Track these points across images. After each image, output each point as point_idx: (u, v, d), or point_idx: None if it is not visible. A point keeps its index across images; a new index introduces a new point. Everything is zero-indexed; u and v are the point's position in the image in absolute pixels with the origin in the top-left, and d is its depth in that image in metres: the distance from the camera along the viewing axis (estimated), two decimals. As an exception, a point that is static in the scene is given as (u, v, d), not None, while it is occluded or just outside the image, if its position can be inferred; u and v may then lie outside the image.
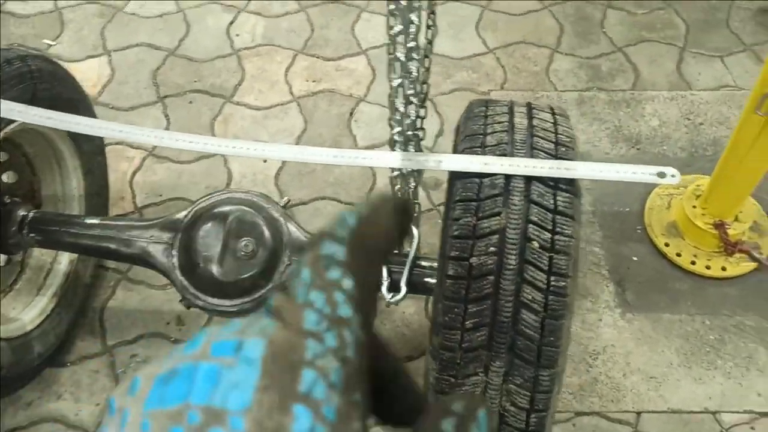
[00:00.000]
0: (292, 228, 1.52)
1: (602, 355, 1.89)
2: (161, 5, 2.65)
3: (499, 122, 1.28)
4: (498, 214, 1.16)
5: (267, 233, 1.49)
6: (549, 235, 1.14)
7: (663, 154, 2.29)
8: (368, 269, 0.42)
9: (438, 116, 2.36)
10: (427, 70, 1.40)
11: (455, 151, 1.31)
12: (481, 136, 1.26)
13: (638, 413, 1.80)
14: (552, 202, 1.16)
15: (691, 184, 2.09)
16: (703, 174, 2.12)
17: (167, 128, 2.30)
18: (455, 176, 1.23)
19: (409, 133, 1.35)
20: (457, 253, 1.16)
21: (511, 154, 1.21)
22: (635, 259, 2.07)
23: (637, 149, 2.31)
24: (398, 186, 1.45)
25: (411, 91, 1.28)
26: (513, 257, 1.13)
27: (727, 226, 1.97)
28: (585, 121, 2.38)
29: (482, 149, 1.23)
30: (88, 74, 2.44)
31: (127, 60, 2.48)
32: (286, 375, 0.34)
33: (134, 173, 2.21)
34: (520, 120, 1.28)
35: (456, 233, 1.17)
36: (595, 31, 2.64)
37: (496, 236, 1.14)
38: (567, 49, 2.58)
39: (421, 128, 1.52)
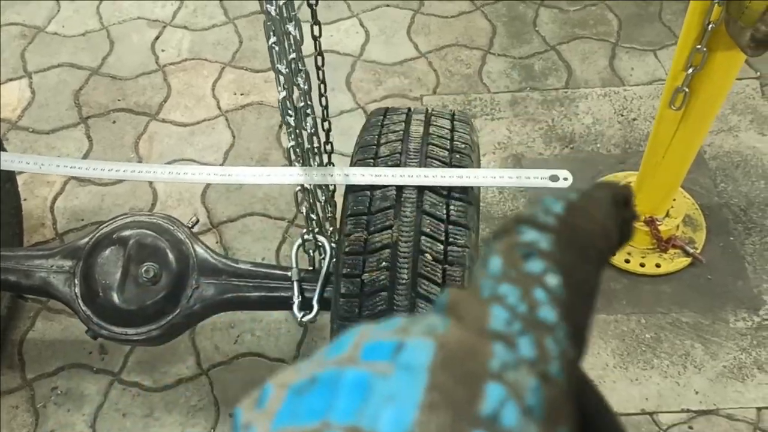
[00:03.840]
0: (199, 250, 1.47)
1: (538, 361, 1.85)
2: (84, 23, 2.58)
3: (394, 131, 1.24)
4: (389, 227, 1.12)
5: (171, 256, 1.43)
6: (442, 247, 1.10)
7: (597, 152, 2.27)
8: (581, 268, 0.32)
9: (369, 124, 2.32)
10: (323, 82, 1.36)
11: (351, 163, 1.26)
12: (375, 147, 1.22)
13: (575, 418, 1.76)
14: (444, 211, 1.12)
15: (622, 182, 2.07)
16: (637, 171, 2.09)
17: (90, 150, 2.23)
18: (348, 190, 1.19)
19: (308, 146, 1.30)
20: (348, 270, 1.11)
21: (404, 164, 1.17)
22: (570, 260, 2.03)
23: (571, 148, 2.28)
24: (305, 202, 1.40)
25: (303, 104, 1.24)
26: (405, 271, 1.09)
27: (658, 222, 1.94)
28: (518, 122, 2.35)
29: (375, 160, 1.19)
30: (8, 98, 2.36)
31: (48, 81, 2.41)
32: (463, 389, 0.25)
33: (55, 198, 2.14)
34: (416, 128, 1.24)
35: (347, 249, 1.12)
36: (528, 31, 2.61)
37: (388, 250, 1.10)
38: (499, 50, 2.55)
39: (328, 141, 1.48)
